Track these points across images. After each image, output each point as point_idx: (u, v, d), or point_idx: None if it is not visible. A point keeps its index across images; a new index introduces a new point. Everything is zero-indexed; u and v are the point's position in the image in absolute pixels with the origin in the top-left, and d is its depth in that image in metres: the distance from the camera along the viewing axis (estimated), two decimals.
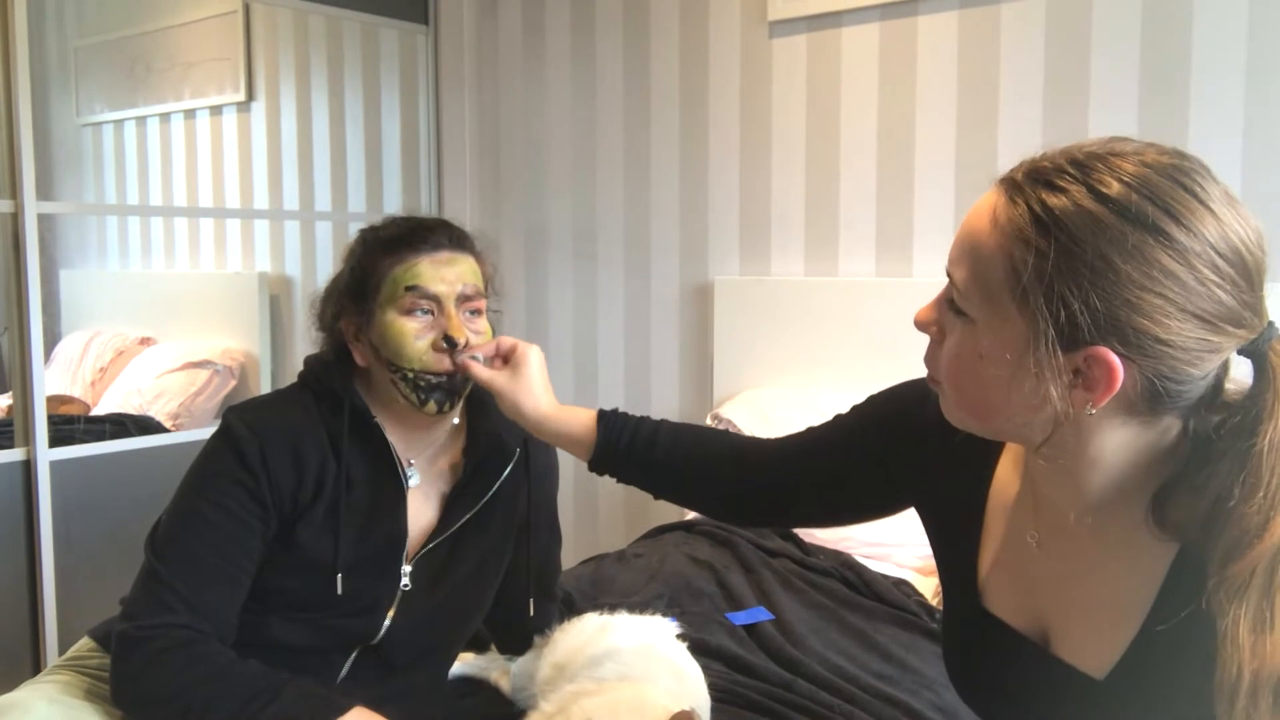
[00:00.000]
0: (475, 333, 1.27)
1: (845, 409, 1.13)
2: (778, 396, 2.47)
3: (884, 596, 1.86)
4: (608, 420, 1.19)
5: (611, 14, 2.88)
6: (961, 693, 0.98)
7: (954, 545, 0.96)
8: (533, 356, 1.24)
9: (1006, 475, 0.93)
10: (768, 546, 2.06)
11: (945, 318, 0.81)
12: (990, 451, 0.93)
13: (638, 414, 1.22)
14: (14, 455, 2.36)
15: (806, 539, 2.13)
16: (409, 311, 1.23)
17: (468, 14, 3.18)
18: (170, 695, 1.11)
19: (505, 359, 1.25)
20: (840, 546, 2.10)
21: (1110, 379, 0.71)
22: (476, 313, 1.28)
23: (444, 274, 1.24)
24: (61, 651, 1.67)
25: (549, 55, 3.02)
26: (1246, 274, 0.71)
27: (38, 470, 2.36)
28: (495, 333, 1.33)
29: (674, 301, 2.81)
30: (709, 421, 2.54)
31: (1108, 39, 2.10)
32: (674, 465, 1.17)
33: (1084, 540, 0.82)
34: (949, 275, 0.80)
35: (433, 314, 1.24)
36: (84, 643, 1.31)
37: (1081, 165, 0.73)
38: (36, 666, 2.39)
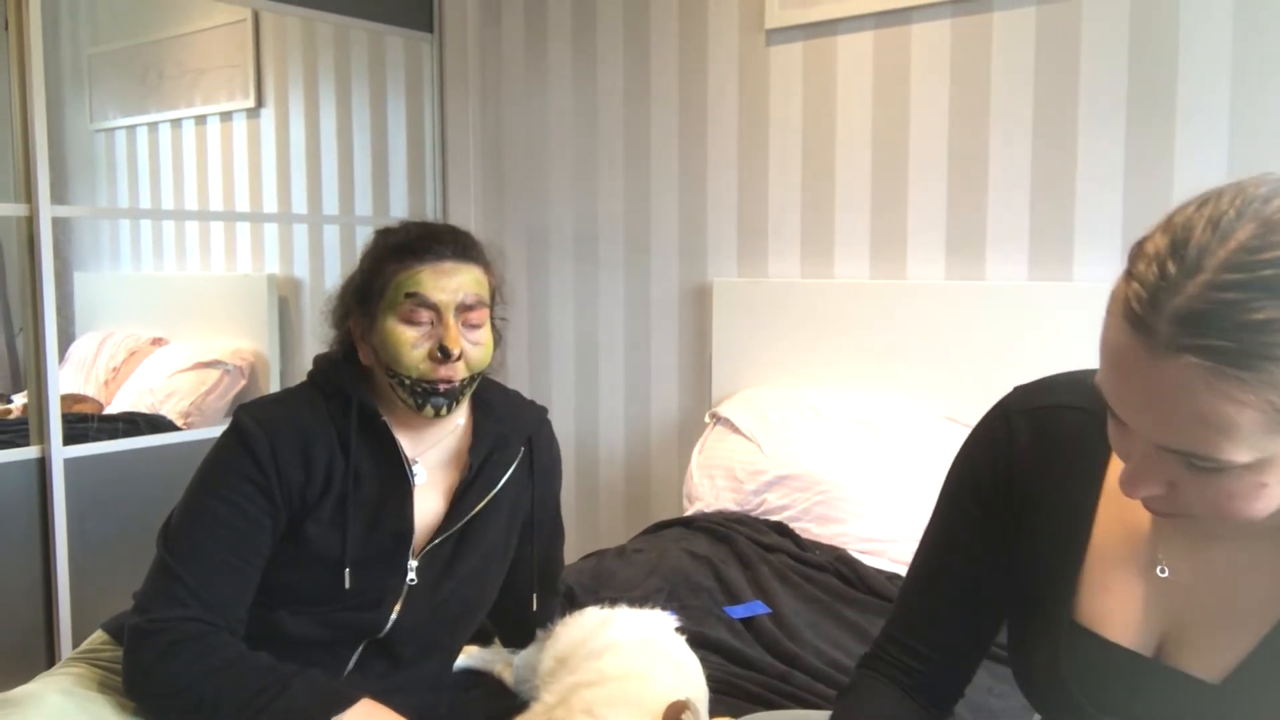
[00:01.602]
0: (474, 343, 1.26)
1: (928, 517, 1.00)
2: (775, 395, 2.47)
3: (878, 591, 1.86)
4: None
5: (612, 22, 2.88)
6: (1040, 704, 0.93)
7: (1053, 567, 0.89)
8: None
9: (1124, 498, 0.80)
10: (765, 542, 2.06)
11: (1177, 475, 0.70)
12: (1095, 470, 0.87)
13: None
14: (29, 453, 2.36)
15: (803, 535, 2.13)
16: (408, 318, 1.23)
17: (472, 22, 3.18)
18: (182, 687, 1.12)
19: None
20: (836, 542, 2.10)
21: None
22: (477, 323, 1.27)
23: (444, 284, 1.24)
24: (75, 645, 1.67)
25: (551, 63, 3.02)
26: None
27: (52, 467, 2.37)
28: (500, 340, 1.33)
29: (673, 303, 2.81)
30: (706, 420, 2.54)
31: (1097, 48, 2.10)
32: None
33: (1229, 554, 0.78)
34: (1172, 451, 0.68)
35: (431, 323, 1.24)
36: (97, 636, 1.31)
37: (1256, 286, 0.60)
38: (51, 659, 2.39)
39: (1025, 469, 0.90)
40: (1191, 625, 0.80)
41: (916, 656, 0.97)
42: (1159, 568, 0.82)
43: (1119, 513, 0.86)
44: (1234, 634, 0.77)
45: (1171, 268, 0.63)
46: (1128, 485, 0.72)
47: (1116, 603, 0.85)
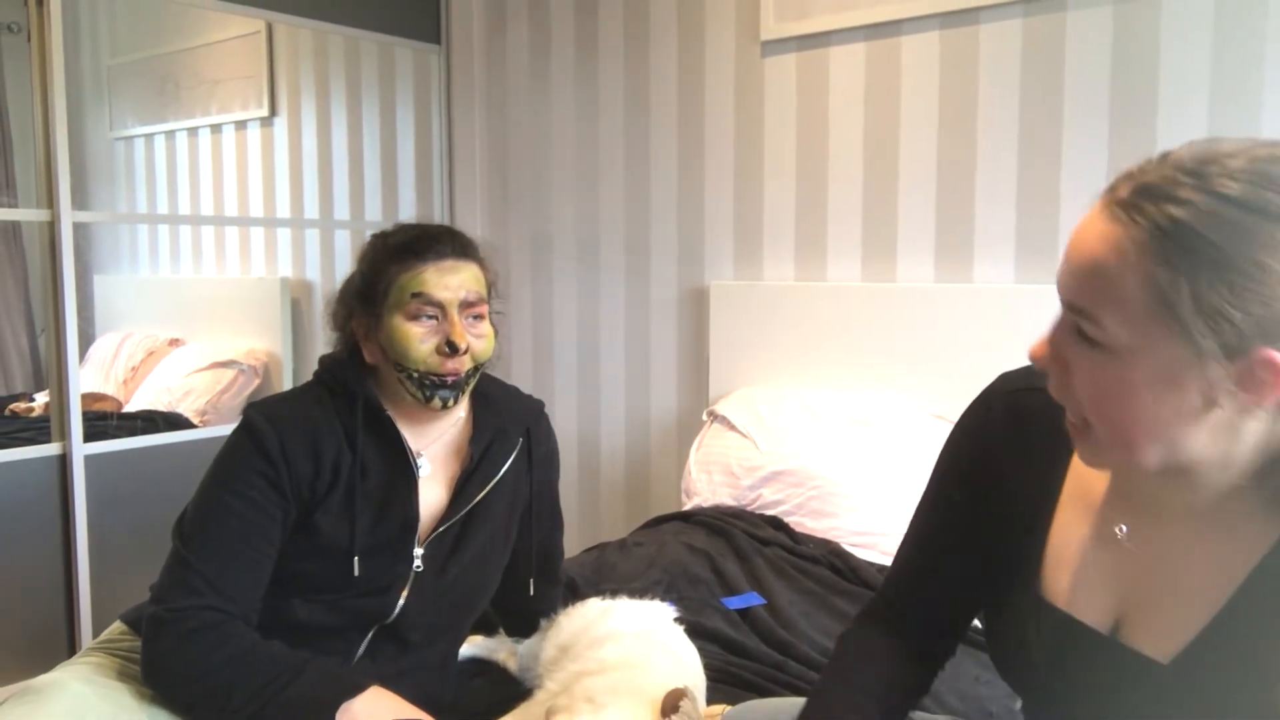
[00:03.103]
0: (477, 336, 1.27)
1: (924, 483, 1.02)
2: (770, 394, 2.47)
3: (870, 583, 1.86)
4: None
5: (613, 34, 2.88)
6: (1012, 682, 0.93)
7: (1017, 543, 0.90)
8: None
9: (1087, 472, 0.86)
10: (760, 536, 2.06)
11: (1070, 350, 0.73)
12: (1063, 448, 0.87)
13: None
14: (51, 450, 2.36)
15: (797, 528, 2.13)
16: (414, 316, 1.24)
17: (478, 35, 3.18)
18: (198, 674, 1.12)
19: None
20: (828, 535, 2.10)
21: (1278, 378, 0.66)
22: (479, 317, 1.28)
23: (448, 281, 1.25)
24: (95, 635, 1.67)
25: (554, 73, 3.02)
26: None
27: (73, 464, 2.36)
28: (499, 333, 1.34)
29: (672, 305, 2.81)
30: (704, 418, 2.54)
31: (1080, 60, 2.10)
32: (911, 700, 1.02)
33: (1179, 531, 0.78)
34: (1070, 307, 0.73)
35: (437, 319, 1.25)
36: (116, 626, 1.31)
37: (1193, 173, 0.67)
38: (72, 649, 2.39)
39: (998, 447, 0.92)
40: (1145, 603, 0.81)
41: (906, 617, 1.00)
42: (1118, 529, 0.83)
43: (1082, 489, 0.87)
44: (1183, 615, 0.77)
45: (1151, 162, 0.71)
46: (1031, 347, 0.76)
47: (1077, 577, 0.85)
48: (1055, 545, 0.87)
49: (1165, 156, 0.70)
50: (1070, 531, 0.87)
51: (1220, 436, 0.71)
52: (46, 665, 1.27)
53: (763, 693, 1.39)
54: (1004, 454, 0.91)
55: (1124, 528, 0.82)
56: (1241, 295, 0.65)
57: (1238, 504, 0.74)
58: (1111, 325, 0.69)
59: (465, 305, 1.26)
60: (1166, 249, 0.66)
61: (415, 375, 1.24)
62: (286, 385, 3.00)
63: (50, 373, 2.40)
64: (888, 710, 0.96)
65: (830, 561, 1.95)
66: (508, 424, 1.38)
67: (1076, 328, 0.72)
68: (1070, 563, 0.86)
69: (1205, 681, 0.75)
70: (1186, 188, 0.67)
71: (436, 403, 1.26)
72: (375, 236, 1.32)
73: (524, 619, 1.48)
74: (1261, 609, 0.72)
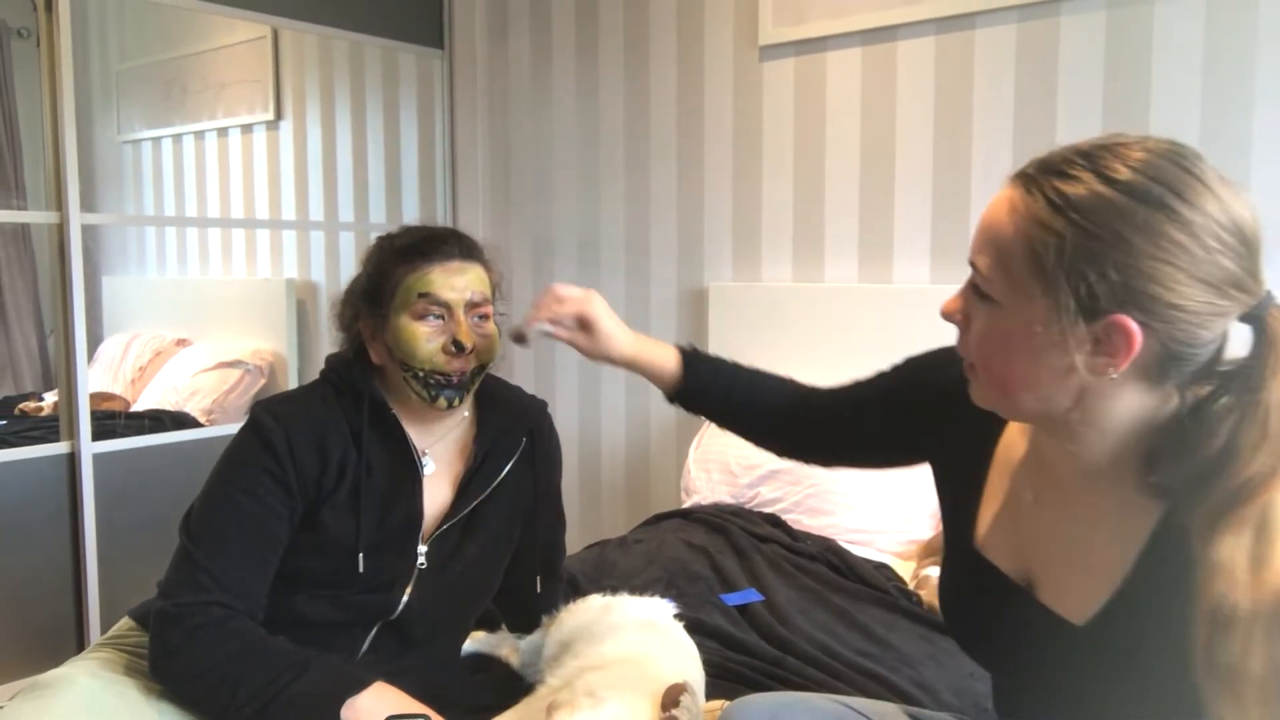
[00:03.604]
0: (482, 336, 1.28)
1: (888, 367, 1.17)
2: None
3: (866, 579, 1.86)
4: (690, 363, 1.24)
5: (614, 39, 2.88)
6: (956, 636, 0.99)
7: (958, 497, 0.98)
8: (599, 309, 1.28)
9: (1013, 438, 0.93)
10: (758, 533, 2.06)
11: (970, 305, 0.82)
12: (999, 417, 0.93)
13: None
14: (59, 448, 2.36)
15: (795, 526, 2.13)
16: (421, 316, 1.24)
17: (481, 40, 3.18)
18: (205, 669, 1.12)
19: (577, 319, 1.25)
20: (826, 533, 2.10)
21: (1129, 344, 0.72)
22: (484, 317, 1.29)
23: (454, 282, 1.25)
24: (103, 631, 1.67)
25: (556, 77, 3.02)
26: (1246, 243, 0.72)
27: (81, 462, 2.36)
28: (501, 334, 1.34)
29: (672, 305, 2.81)
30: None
31: (1074, 65, 2.10)
32: (745, 414, 1.24)
33: (1077, 500, 0.84)
34: (972, 264, 0.81)
35: (443, 319, 1.25)
36: (124, 623, 1.31)
37: (1089, 155, 0.74)
38: (80, 645, 2.39)
39: (943, 403, 0.98)
40: (1054, 566, 0.86)
41: (822, 409, 1.20)
42: (1028, 494, 0.89)
43: (1008, 454, 0.93)
44: (1090, 582, 0.81)
45: (1060, 147, 0.78)
46: (943, 304, 0.85)
47: (1002, 536, 0.91)
48: (988, 503, 0.94)
49: (1073, 145, 0.77)
50: (997, 490, 0.93)
51: (1088, 399, 0.77)
52: (55, 660, 1.27)
53: (761, 688, 1.39)
54: (952, 415, 0.97)
55: (1031, 492, 0.89)
56: (1100, 261, 0.71)
57: (1126, 483, 0.79)
58: (995, 278, 0.78)
59: (471, 305, 1.26)
60: (1047, 215, 0.74)
61: (421, 374, 1.24)
62: (292, 385, 3.00)
63: (59, 372, 2.40)
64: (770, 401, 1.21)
65: (827, 559, 1.95)
66: (511, 424, 1.38)
67: (974, 284, 0.81)
68: (998, 521, 0.92)
69: (1118, 644, 0.79)
70: (1078, 167, 0.74)
71: (442, 402, 1.25)
72: (381, 238, 1.32)
73: (526, 615, 1.47)
74: (1160, 581, 0.76)
